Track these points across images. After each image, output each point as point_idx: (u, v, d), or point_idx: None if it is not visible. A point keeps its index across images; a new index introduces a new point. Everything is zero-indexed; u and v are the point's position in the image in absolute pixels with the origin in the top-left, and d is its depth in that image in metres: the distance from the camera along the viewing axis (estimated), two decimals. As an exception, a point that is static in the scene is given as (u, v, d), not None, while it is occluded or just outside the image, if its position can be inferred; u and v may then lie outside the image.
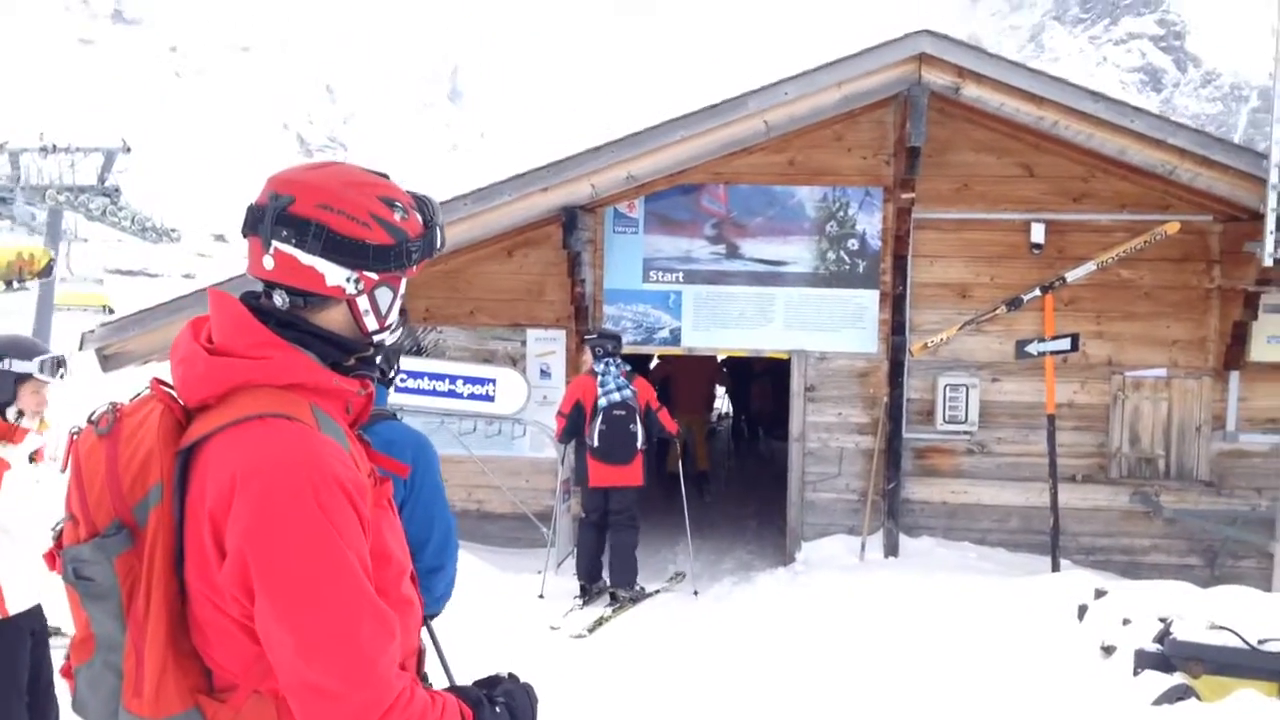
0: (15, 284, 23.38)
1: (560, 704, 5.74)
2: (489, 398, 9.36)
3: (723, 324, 9.70)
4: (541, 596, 8.35)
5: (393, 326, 1.86)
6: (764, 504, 12.56)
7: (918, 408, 9.52)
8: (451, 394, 9.23)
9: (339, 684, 1.54)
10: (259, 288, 1.82)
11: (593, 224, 9.66)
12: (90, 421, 1.73)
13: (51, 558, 1.73)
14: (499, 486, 9.80)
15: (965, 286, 9.47)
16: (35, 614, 3.92)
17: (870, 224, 9.51)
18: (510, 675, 2.00)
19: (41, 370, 3.83)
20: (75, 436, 1.74)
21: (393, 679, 1.59)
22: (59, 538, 1.72)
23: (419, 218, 1.82)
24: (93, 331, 8.55)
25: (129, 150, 36.98)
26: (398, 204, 1.79)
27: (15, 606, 3.78)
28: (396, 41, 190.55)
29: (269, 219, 1.71)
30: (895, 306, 9.40)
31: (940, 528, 9.54)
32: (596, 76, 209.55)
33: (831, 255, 9.56)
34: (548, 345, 9.82)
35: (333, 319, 1.79)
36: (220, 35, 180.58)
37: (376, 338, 1.84)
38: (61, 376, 3.90)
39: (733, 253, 9.67)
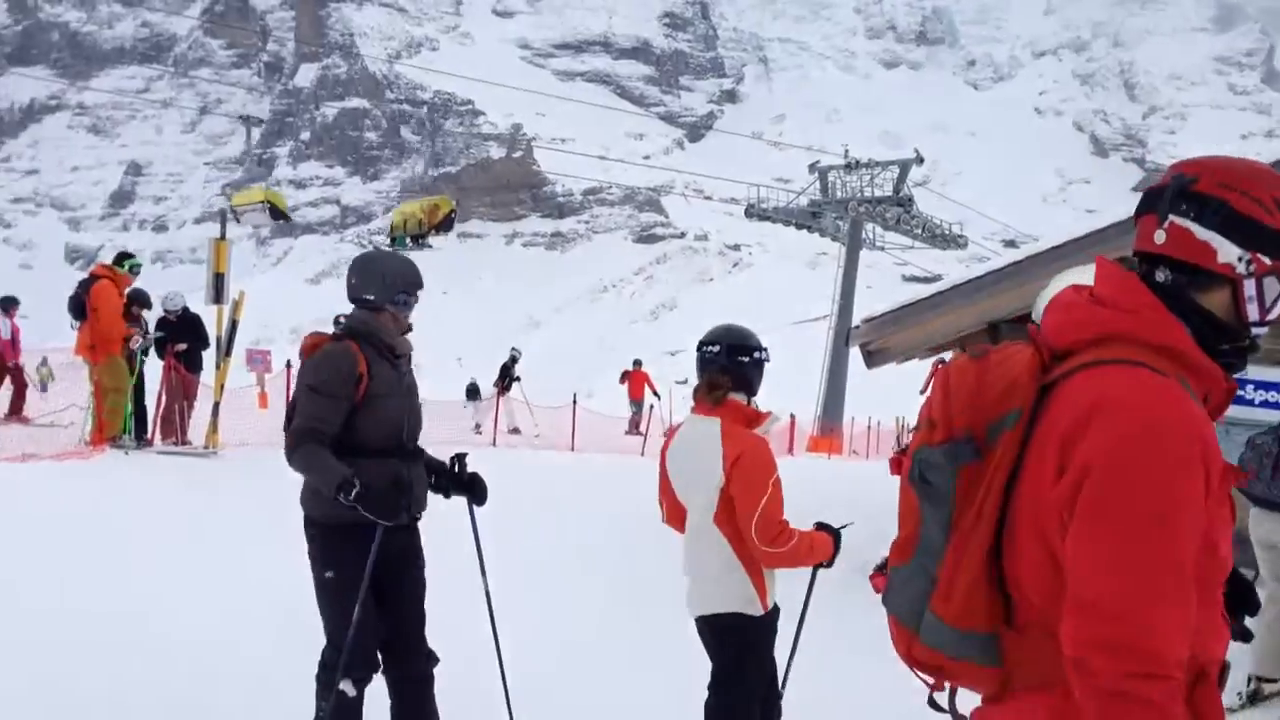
0: (420, 241, 25.29)
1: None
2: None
3: None
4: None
5: (1271, 323, 1.84)
6: None
7: None
8: (1240, 400, 7.98)
9: (1113, 608, 1.56)
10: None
11: None
12: (964, 350, 1.92)
13: (896, 462, 1.95)
14: None
15: None
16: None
17: None
18: None
19: None
20: (940, 365, 1.96)
21: (1166, 649, 1.56)
22: (904, 446, 1.96)
23: None
24: (857, 327, 8.92)
25: (921, 162, 39.09)
26: None
27: None
28: (1200, 28, 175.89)
29: (1169, 195, 1.80)
30: None
31: None
32: None
33: None
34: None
35: (1214, 300, 1.81)
36: (1017, 44, 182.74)
37: (1255, 330, 1.84)
38: None
39: None
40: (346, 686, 3.84)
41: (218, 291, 11.45)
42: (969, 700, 2.68)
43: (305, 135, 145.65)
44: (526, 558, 7.90)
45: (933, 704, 2.73)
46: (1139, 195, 1.95)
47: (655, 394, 23.36)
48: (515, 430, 20.18)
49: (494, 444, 17.52)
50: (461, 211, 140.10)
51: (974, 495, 1.76)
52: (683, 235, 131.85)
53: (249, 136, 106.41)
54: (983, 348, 1.90)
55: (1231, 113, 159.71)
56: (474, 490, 4.23)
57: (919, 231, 37.29)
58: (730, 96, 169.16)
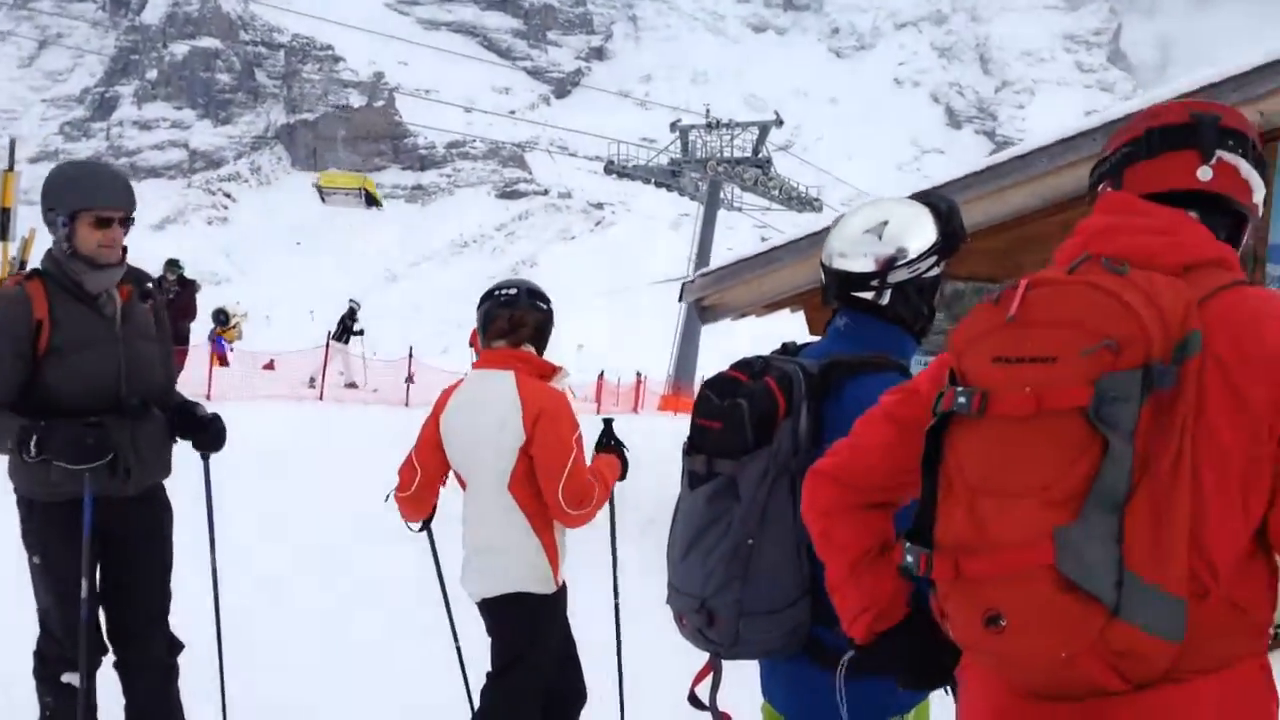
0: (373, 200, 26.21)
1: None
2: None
3: None
4: None
5: None
6: None
7: None
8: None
9: None
10: None
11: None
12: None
13: (1036, 399, 1.55)
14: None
15: None
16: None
17: None
18: None
19: None
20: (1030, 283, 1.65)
21: None
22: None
23: None
24: (691, 282, 8.68)
25: (781, 124, 39.32)
26: None
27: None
28: (1052, 5, 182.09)
29: (1212, 130, 1.74)
30: None
31: None
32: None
33: None
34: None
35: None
36: (880, 14, 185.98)
37: None
38: None
39: None
40: (70, 678, 3.37)
41: (2, 228, 10.45)
42: (729, 695, 2.46)
43: (152, 74, 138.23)
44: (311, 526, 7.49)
45: (694, 701, 2.49)
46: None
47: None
48: (352, 385, 19.44)
49: (320, 398, 16.81)
50: (318, 161, 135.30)
51: (1166, 433, 1.48)
52: (546, 192, 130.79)
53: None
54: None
55: (1078, 89, 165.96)
56: (205, 433, 3.59)
57: (776, 194, 37.64)
58: (598, 54, 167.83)
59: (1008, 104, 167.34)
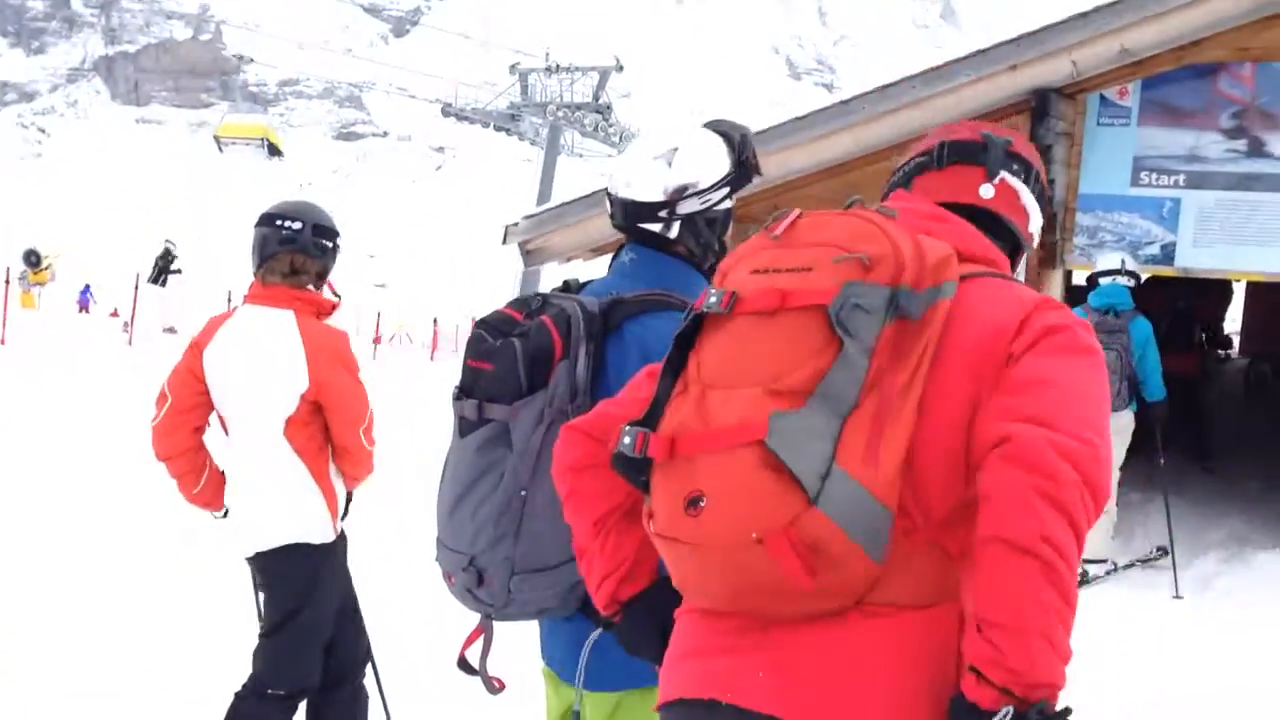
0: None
1: None
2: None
3: (1233, 240, 7.72)
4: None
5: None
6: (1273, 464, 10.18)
7: None
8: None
9: (1088, 430, 1.42)
10: None
11: (1071, 114, 8.03)
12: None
13: (780, 294, 1.53)
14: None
15: None
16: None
17: None
18: None
19: None
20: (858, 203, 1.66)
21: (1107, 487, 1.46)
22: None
23: None
24: (515, 224, 8.43)
25: (621, 69, 39.00)
26: None
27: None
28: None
29: (999, 150, 1.82)
30: None
31: None
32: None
33: (1399, 153, 7.24)
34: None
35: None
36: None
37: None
38: None
39: (1257, 150, 7.63)
40: None
41: None
42: (500, 662, 2.31)
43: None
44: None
45: (464, 665, 2.33)
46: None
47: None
48: (171, 330, 18.43)
49: (130, 343, 15.92)
50: (139, 96, 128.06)
51: (903, 360, 1.48)
52: (385, 135, 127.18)
53: None
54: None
55: (913, 45, 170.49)
56: None
57: (617, 140, 37.37)
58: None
59: (845, 58, 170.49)
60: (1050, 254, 8.03)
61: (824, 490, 1.39)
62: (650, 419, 1.59)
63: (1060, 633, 1.34)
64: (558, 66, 36.39)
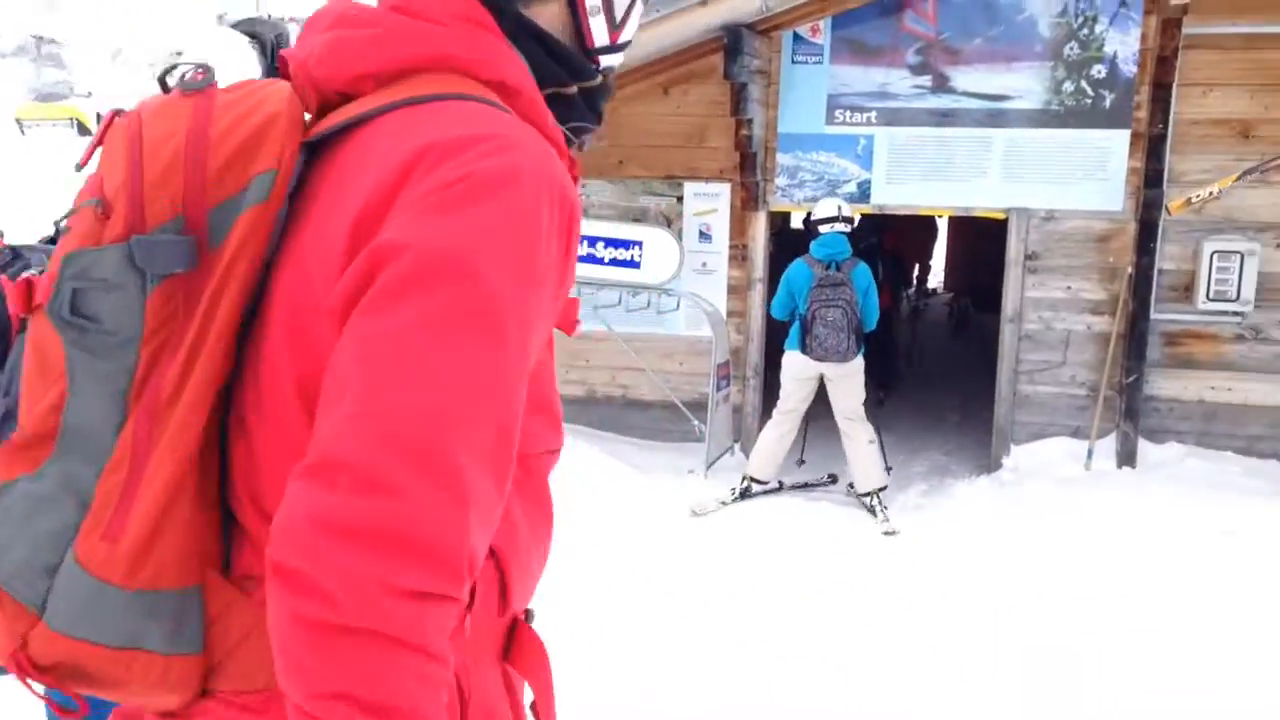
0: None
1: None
2: (634, 264, 7.86)
3: (924, 176, 7.86)
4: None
5: (624, 47, 1.28)
6: (970, 396, 10.66)
7: (1172, 281, 7.52)
8: (591, 259, 7.76)
9: (405, 476, 0.86)
10: None
11: (766, 51, 7.91)
12: (162, 81, 1.08)
13: (26, 287, 1.02)
14: (644, 369, 8.35)
15: (1249, 124, 7.29)
16: None
17: (1124, 43, 7.40)
18: None
19: None
20: (117, 114, 1.08)
21: (468, 541, 0.89)
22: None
23: None
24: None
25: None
26: None
27: None
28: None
29: None
30: (1151, 151, 7.33)
31: (1193, 433, 7.61)
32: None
33: (1069, 86, 7.53)
34: (708, 202, 8.21)
35: (548, 16, 1.18)
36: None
37: (603, 58, 1.25)
38: None
39: (941, 85, 7.77)
40: None
41: None
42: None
43: None
44: None
45: None
46: None
47: None
48: None
49: None
50: None
51: (180, 329, 1.01)
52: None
53: None
54: (206, 74, 1.08)
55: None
56: None
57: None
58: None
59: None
60: (751, 195, 7.92)
61: (50, 598, 0.99)
62: None
63: None
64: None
